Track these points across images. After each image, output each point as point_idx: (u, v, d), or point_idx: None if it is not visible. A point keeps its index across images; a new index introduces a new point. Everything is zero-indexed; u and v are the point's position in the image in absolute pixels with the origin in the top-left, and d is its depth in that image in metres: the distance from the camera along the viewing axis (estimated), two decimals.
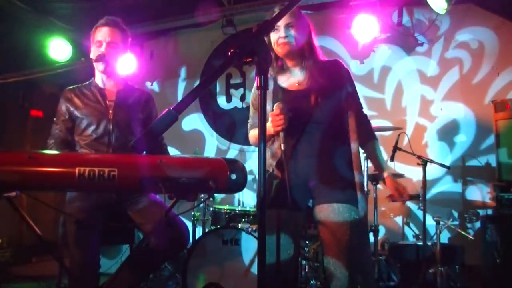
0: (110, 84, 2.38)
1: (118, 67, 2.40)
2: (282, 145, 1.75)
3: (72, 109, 2.30)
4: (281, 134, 1.77)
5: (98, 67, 2.31)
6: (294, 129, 1.82)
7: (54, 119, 2.35)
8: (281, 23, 1.89)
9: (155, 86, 5.20)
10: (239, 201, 4.30)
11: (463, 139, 3.86)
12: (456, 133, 3.89)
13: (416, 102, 4.07)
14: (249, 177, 4.08)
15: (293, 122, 1.80)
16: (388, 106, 4.18)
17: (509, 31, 3.74)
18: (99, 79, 2.38)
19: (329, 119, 1.86)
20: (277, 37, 1.89)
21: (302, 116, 1.84)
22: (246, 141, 4.61)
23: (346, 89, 1.92)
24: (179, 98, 5.13)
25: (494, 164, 3.41)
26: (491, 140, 3.61)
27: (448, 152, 3.90)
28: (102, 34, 2.28)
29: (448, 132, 3.92)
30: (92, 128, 2.26)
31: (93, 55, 2.28)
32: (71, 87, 2.39)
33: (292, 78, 1.96)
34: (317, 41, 1.97)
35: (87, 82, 2.41)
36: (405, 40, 4.11)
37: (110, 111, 2.30)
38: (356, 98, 1.98)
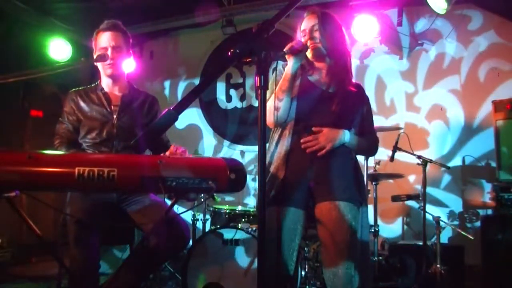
0: (116, 88, 2.37)
1: (123, 71, 2.39)
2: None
3: (77, 111, 2.29)
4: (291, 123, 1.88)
5: (106, 71, 2.29)
6: (304, 127, 1.88)
7: (60, 119, 2.32)
8: (307, 26, 1.92)
9: (155, 86, 5.20)
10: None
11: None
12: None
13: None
14: (249, 177, 4.09)
15: (307, 120, 1.87)
16: (389, 105, 4.19)
17: (509, 31, 3.74)
18: (105, 83, 2.37)
19: (341, 127, 1.89)
20: (306, 40, 1.92)
21: (318, 116, 1.88)
22: (245, 141, 4.66)
23: (362, 112, 1.99)
24: (179, 98, 5.13)
25: (494, 164, 3.40)
26: (490, 138, 3.58)
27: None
28: (105, 39, 2.26)
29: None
30: (96, 131, 2.26)
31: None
32: (76, 89, 2.38)
33: (321, 79, 1.98)
34: (349, 47, 1.99)
35: (92, 85, 2.39)
36: (405, 40, 4.11)
37: (115, 116, 2.30)
38: (367, 124, 2.04)
